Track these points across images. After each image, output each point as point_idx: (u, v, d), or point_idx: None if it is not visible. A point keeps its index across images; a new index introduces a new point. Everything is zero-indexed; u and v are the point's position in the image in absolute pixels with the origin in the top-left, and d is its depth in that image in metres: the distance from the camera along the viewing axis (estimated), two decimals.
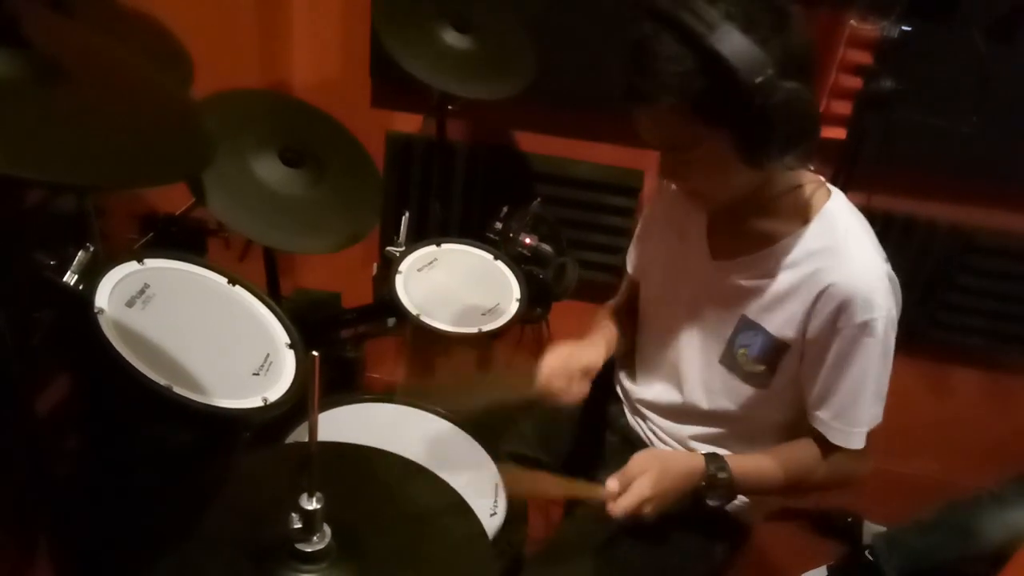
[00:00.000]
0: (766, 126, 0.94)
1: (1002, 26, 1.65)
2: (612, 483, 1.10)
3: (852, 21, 1.78)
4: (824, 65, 1.87)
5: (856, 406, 1.12)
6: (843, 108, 1.86)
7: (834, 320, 1.08)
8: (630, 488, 1.09)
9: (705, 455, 1.15)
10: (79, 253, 1.06)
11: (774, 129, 0.94)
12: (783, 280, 1.12)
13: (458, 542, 0.89)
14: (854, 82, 1.82)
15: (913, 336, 2.20)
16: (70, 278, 1.05)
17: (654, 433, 1.35)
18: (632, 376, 1.40)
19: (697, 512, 1.23)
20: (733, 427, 1.25)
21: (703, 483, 1.14)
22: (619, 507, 1.08)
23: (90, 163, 0.77)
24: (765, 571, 2.12)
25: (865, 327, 1.07)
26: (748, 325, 1.16)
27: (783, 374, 1.17)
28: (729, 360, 1.20)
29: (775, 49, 0.92)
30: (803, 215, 1.12)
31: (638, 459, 1.13)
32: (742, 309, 1.17)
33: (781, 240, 1.12)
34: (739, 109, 0.93)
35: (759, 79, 0.91)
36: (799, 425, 1.20)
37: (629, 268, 1.41)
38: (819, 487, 1.23)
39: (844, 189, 1.86)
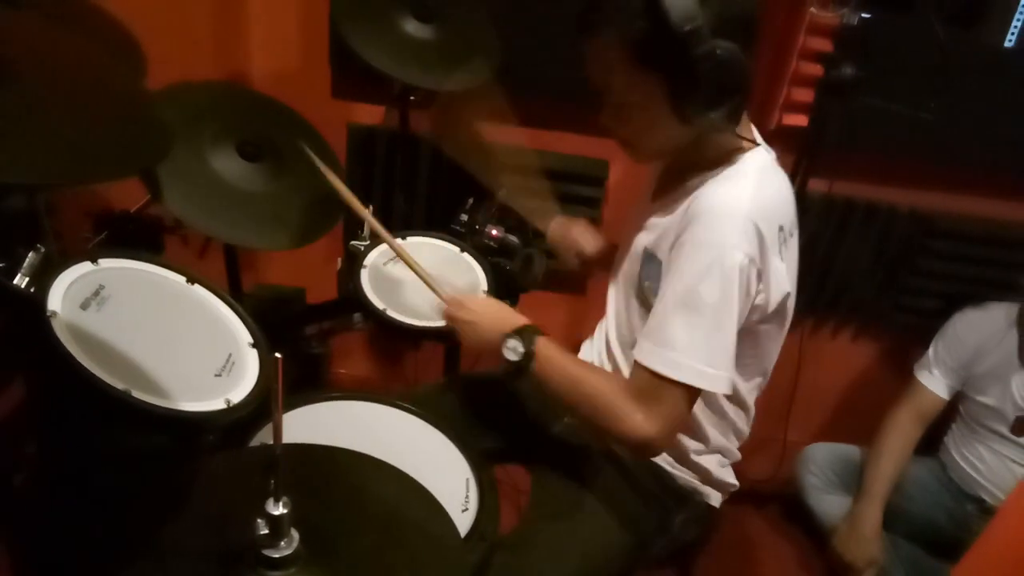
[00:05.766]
0: (692, 77, 1.00)
1: (960, 13, 1.67)
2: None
3: (812, 9, 1.79)
4: (785, 53, 1.88)
5: (667, 325, 1.07)
6: (804, 95, 1.88)
7: (680, 233, 1.09)
8: (464, 297, 1.27)
9: (528, 324, 1.19)
10: (30, 254, 1.02)
11: (699, 81, 1.00)
12: (677, 210, 1.16)
13: (430, 540, 0.88)
14: (815, 69, 1.84)
15: (876, 319, 2.24)
16: (20, 280, 1.01)
17: None
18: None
19: (659, 486, 1.28)
20: None
21: (508, 333, 1.17)
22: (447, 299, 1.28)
23: (41, 159, 0.74)
24: (733, 552, 2.15)
25: (701, 245, 1.06)
26: (649, 258, 1.21)
27: None
28: (641, 295, 1.24)
29: (713, 6, 0.99)
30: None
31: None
32: (645, 242, 1.22)
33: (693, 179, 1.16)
34: (670, 56, 1.00)
35: (687, 27, 0.97)
36: None
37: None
38: (600, 411, 1.11)
39: (806, 175, 1.89)
